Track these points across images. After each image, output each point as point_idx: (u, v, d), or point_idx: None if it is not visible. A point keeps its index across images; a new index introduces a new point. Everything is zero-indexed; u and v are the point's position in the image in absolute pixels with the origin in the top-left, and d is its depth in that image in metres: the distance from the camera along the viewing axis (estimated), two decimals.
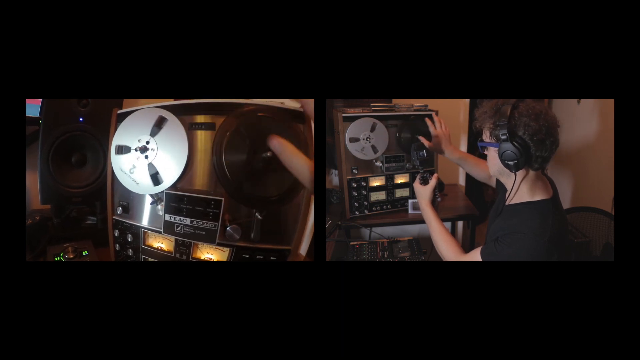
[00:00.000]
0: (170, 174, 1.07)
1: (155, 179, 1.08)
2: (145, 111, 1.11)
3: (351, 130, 1.68)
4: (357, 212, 1.79)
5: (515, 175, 1.07)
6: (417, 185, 1.39)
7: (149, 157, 1.08)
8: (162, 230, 1.10)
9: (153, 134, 1.08)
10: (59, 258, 1.30)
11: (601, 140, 2.00)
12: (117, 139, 1.14)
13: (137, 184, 1.10)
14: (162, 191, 1.08)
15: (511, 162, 1.04)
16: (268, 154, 0.99)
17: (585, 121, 2.10)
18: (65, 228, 1.47)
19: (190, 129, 1.08)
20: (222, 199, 1.04)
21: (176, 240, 1.12)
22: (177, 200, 1.07)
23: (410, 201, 1.83)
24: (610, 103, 1.13)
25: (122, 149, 1.12)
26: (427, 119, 1.61)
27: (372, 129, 1.70)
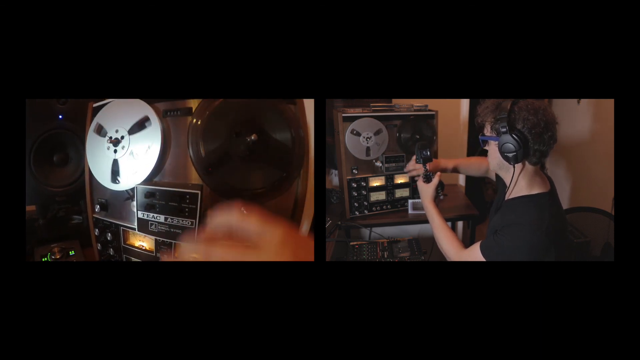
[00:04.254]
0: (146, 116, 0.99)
1: (143, 125, 1.00)
2: (89, 137, 1.11)
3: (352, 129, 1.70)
4: (357, 212, 1.79)
5: (514, 168, 1.10)
6: (420, 183, 1.42)
7: (124, 135, 1.01)
8: (136, 229, 1.02)
9: (104, 134, 1.07)
10: (46, 259, 1.30)
11: (601, 140, 2.00)
12: (100, 175, 1.08)
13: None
14: (134, 186, 0.99)
15: (510, 154, 1.07)
16: (252, 138, 0.88)
17: (585, 121, 2.10)
18: (52, 228, 1.44)
19: (165, 116, 0.97)
20: (198, 192, 0.93)
21: (156, 239, 1.03)
22: (149, 195, 0.96)
23: (410, 201, 1.83)
24: (610, 103, 1.13)
25: (115, 172, 1.04)
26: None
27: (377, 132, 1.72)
